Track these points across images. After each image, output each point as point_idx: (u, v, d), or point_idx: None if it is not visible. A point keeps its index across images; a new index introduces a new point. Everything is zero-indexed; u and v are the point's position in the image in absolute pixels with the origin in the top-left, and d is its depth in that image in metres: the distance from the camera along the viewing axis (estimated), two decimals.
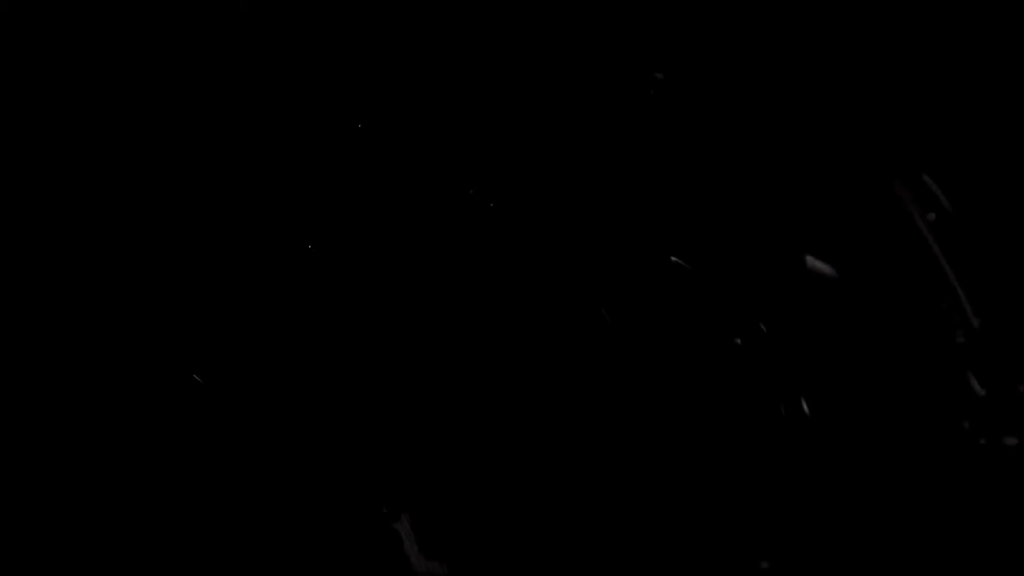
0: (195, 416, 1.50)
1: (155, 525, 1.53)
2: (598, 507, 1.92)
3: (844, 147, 2.18)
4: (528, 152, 1.65)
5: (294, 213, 1.50)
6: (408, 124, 1.59)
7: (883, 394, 2.09)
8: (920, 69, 2.09)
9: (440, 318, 1.50)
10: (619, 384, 1.58)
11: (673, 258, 1.70)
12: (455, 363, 1.50)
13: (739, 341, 1.79)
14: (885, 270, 2.14)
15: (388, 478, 1.50)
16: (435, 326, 1.49)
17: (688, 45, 2.10)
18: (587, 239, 1.57)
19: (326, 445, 1.47)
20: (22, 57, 1.55)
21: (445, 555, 1.57)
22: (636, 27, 2.12)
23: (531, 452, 1.52)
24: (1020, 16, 1.97)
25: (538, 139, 1.81)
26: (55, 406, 1.53)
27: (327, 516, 1.46)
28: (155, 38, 1.60)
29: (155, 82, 1.58)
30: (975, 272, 2.14)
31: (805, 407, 1.78)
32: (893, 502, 2.02)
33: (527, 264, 1.53)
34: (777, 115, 2.14)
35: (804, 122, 2.15)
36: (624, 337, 1.45)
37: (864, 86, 2.11)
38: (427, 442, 1.48)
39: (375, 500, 1.51)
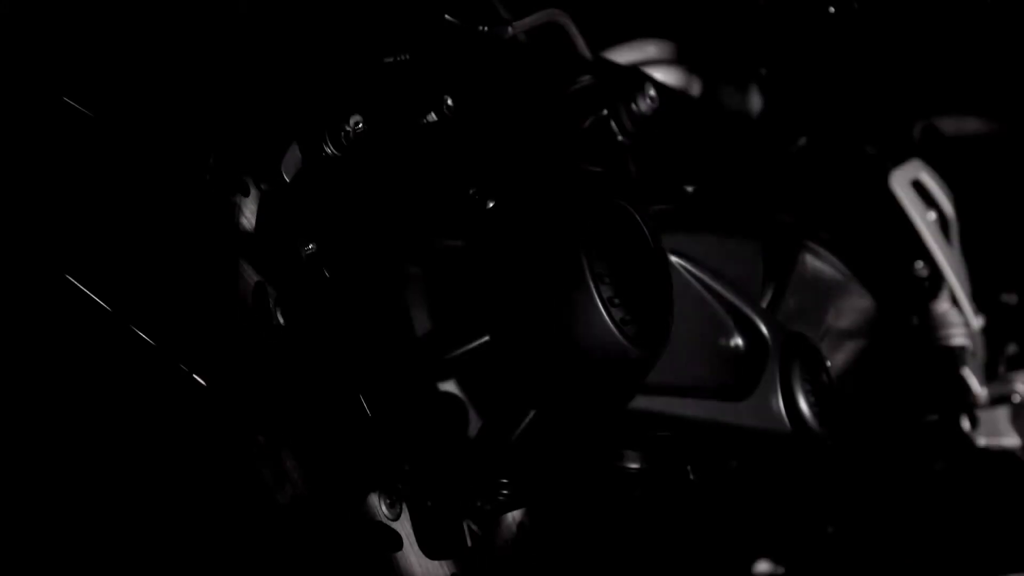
0: (193, 415, 1.50)
1: (153, 524, 1.53)
2: (597, 506, 1.92)
3: (845, 147, 2.18)
4: (526, 152, 1.65)
5: (292, 212, 1.50)
6: (407, 123, 1.60)
7: (883, 394, 2.09)
8: (921, 70, 2.09)
9: (437, 316, 1.49)
10: (618, 384, 1.58)
11: (674, 258, 1.70)
12: (453, 361, 1.49)
13: (741, 343, 1.79)
14: (886, 270, 2.14)
15: (387, 478, 1.50)
16: (432, 324, 1.49)
17: (691, 44, 2.10)
18: (586, 237, 1.57)
19: (326, 445, 1.47)
20: (22, 57, 1.55)
21: (445, 556, 1.58)
22: (635, 25, 2.12)
23: (529, 451, 1.52)
24: (1020, 17, 1.97)
25: (537, 138, 1.81)
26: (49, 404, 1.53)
27: (327, 516, 1.46)
28: (155, 38, 1.60)
29: (155, 82, 1.58)
30: (976, 272, 2.14)
31: (806, 408, 1.78)
32: (893, 501, 2.02)
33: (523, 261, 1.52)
34: (778, 115, 2.14)
35: (805, 122, 2.15)
36: (623, 336, 1.45)
37: (865, 87, 2.11)
38: (426, 442, 1.48)
39: (375, 499, 1.51)
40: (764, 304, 1.91)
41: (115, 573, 1.51)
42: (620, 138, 1.93)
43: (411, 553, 1.52)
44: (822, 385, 1.83)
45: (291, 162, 1.51)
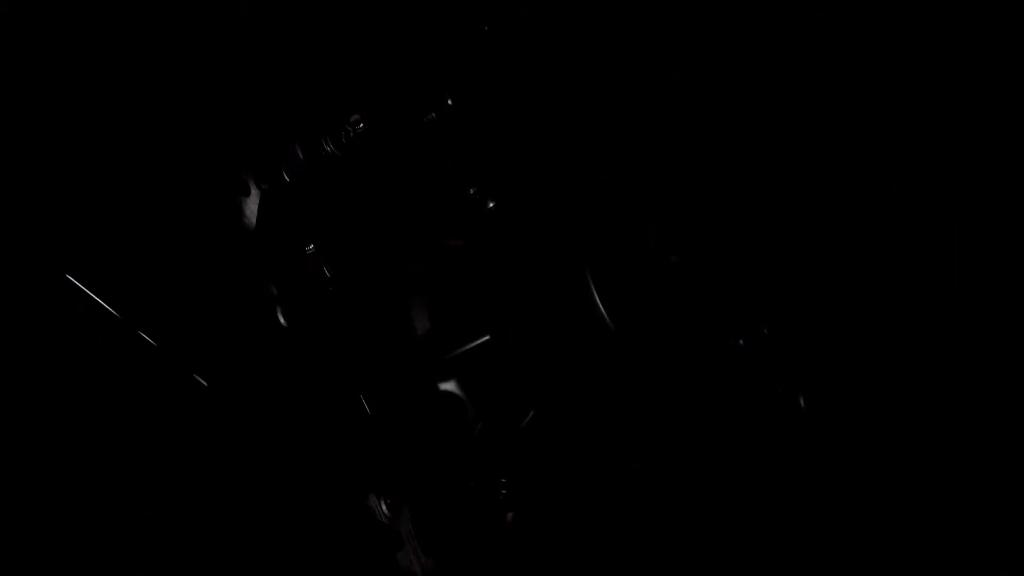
0: (194, 416, 1.50)
1: (153, 524, 1.53)
2: (597, 506, 1.92)
3: (845, 147, 2.18)
4: (526, 153, 1.65)
5: (292, 212, 1.51)
6: (409, 124, 1.60)
7: (881, 393, 2.09)
8: (921, 69, 2.09)
9: (436, 316, 1.49)
10: (620, 384, 1.58)
11: (673, 258, 1.70)
12: (452, 360, 1.50)
13: (742, 342, 1.79)
14: (884, 269, 2.15)
15: (387, 478, 1.50)
16: (432, 325, 1.49)
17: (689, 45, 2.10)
18: (587, 239, 1.57)
19: (326, 446, 1.48)
20: (22, 57, 1.55)
21: (445, 555, 1.58)
22: (637, 28, 2.12)
23: (530, 452, 1.52)
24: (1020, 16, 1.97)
25: (536, 139, 1.81)
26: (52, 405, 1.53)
27: (327, 516, 1.46)
28: (155, 38, 1.60)
29: (155, 81, 1.58)
30: (976, 272, 2.14)
31: (800, 406, 1.78)
32: (893, 500, 2.02)
33: (526, 263, 1.53)
34: (776, 116, 2.14)
35: (802, 123, 2.15)
36: (626, 337, 1.45)
37: (861, 85, 2.11)
38: (427, 442, 1.48)
39: (375, 499, 1.51)
40: (765, 306, 1.91)
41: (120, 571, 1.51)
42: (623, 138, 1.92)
43: (411, 553, 1.52)
44: (821, 384, 1.83)
45: (291, 162, 1.51)
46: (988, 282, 2.18)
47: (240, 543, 1.49)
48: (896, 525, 2.02)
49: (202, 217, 1.43)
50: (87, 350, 1.53)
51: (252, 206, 1.49)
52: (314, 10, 1.58)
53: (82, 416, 1.51)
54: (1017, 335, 2.16)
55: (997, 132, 2.12)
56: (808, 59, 2.11)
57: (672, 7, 2.08)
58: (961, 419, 2.15)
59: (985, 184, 2.17)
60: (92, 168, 1.57)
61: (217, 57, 1.57)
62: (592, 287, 1.41)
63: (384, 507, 1.52)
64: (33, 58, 1.56)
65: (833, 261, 2.08)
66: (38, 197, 1.55)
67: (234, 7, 1.58)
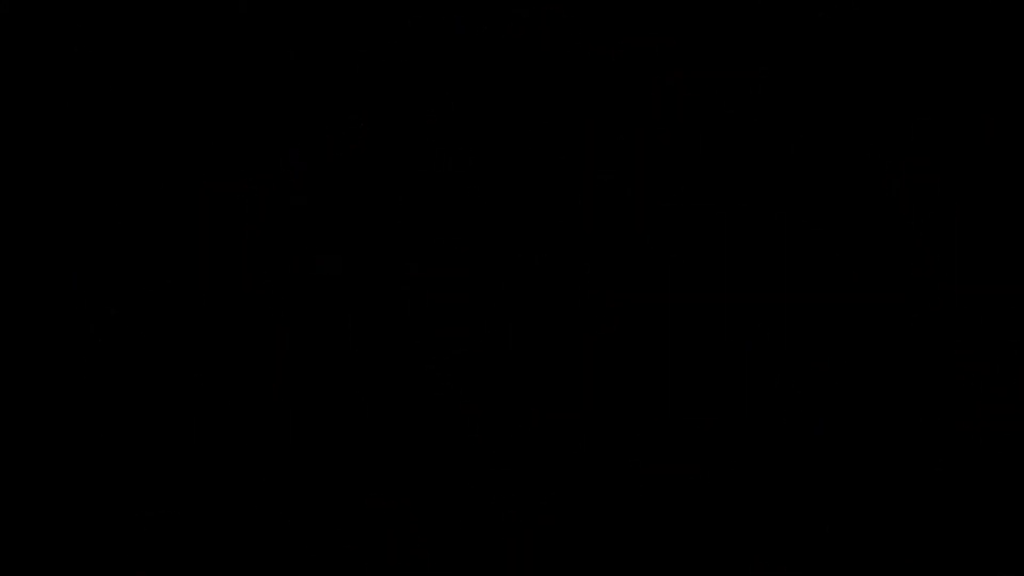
0: (194, 415, 1.50)
1: (153, 524, 1.52)
2: (597, 505, 1.92)
3: (844, 146, 2.18)
4: (526, 153, 1.65)
5: (293, 211, 1.50)
6: (408, 123, 1.59)
7: (880, 393, 2.09)
8: (921, 68, 2.09)
9: (438, 316, 1.49)
10: (621, 384, 1.58)
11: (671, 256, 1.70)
12: (455, 357, 1.49)
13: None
14: (884, 270, 2.14)
15: (385, 474, 1.50)
16: (433, 324, 1.49)
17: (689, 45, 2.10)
18: (588, 239, 1.57)
19: (326, 445, 1.47)
20: (22, 57, 1.55)
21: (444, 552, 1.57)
22: (635, 22, 2.12)
23: (533, 453, 1.52)
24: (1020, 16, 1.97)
25: (536, 139, 1.81)
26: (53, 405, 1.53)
27: (326, 516, 1.46)
28: (155, 38, 1.60)
29: (155, 81, 1.57)
30: (976, 271, 2.14)
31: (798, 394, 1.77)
32: (892, 501, 2.02)
33: (524, 265, 1.52)
34: (776, 116, 2.14)
35: (801, 123, 2.15)
36: (625, 337, 1.45)
37: (861, 85, 2.11)
38: (425, 440, 1.48)
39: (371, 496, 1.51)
40: (762, 307, 1.91)
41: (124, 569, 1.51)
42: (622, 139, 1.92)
43: (412, 548, 1.52)
44: (819, 384, 1.82)
45: (292, 162, 1.51)
46: (988, 282, 2.18)
47: (240, 543, 1.49)
48: (896, 525, 2.02)
49: (202, 217, 1.43)
50: (87, 350, 1.53)
51: (253, 206, 1.49)
52: (314, 10, 1.58)
53: (82, 416, 1.51)
54: (1017, 335, 2.16)
55: (997, 132, 2.12)
56: (808, 59, 2.11)
57: (672, 7, 2.08)
58: (961, 419, 2.15)
59: (985, 184, 2.17)
60: (92, 168, 1.57)
61: (217, 57, 1.57)
62: None
63: (382, 502, 1.51)
64: (33, 58, 1.55)
65: (833, 261, 2.07)
66: (38, 197, 1.55)
67: (234, 7, 1.58)
